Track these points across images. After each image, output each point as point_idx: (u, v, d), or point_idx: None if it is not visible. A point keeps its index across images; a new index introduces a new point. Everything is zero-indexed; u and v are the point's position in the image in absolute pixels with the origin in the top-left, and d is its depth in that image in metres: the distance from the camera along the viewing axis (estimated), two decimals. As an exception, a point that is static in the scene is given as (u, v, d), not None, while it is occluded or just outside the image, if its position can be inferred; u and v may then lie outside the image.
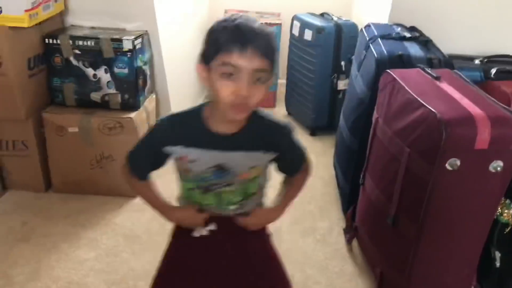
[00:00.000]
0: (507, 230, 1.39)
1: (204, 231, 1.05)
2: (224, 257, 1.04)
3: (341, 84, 2.53)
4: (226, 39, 0.83)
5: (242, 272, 1.03)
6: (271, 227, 1.12)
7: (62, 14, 2.07)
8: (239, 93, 0.84)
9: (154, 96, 2.22)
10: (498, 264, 1.44)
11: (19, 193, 2.01)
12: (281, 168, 1.08)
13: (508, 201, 1.37)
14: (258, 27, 0.85)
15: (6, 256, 1.65)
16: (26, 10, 1.73)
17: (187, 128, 0.97)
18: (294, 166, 1.09)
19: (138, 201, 2.01)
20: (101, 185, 2.00)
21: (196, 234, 1.05)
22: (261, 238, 1.09)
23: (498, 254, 1.43)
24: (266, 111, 1.01)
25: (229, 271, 1.03)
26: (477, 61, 1.87)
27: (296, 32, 2.66)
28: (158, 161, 1.03)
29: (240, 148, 0.95)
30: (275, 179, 1.12)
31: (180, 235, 1.10)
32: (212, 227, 1.05)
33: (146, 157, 1.03)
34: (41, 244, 1.71)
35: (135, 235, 1.79)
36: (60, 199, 1.99)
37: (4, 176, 2.01)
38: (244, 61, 0.82)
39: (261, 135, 0.97)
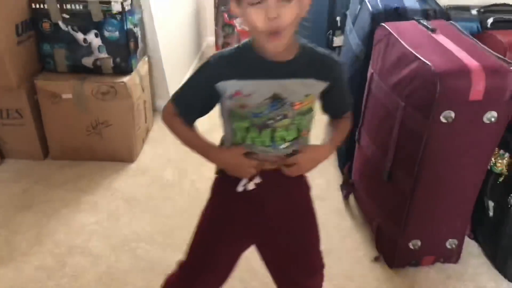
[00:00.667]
0: (500, 180, 1.40)
1: (249, 185, 0.99)
2: (268, 210, 1.02)
3: (337, 41, 2.48)
4: None
5: (282, 225, 1.03)
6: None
7: (47, -23, 2.00)
8: (269, 15, 0.84)
9: (146, 59, 2.19)
10: (491, 214, 1.47)
11: (18, 162, 2.02)
12: (327, 106, 1.05)
13: (501, 151, 1.38)
14: None
15: (8, 223, 1.67)
16: (9, -26, 1.68)
17: (240, 60, 0.95)
18: (340, 106, 1.06)
19: (135, 165, 2.03)
20: (98, 150, 2.01)
21: (240, 188, 1.00)
22: (303, 191, 1.08)
23: (491, 204, 1.46)
24: (317, 46, 1.00)
25: (271, 224, 1.03)
26: (474, 11, 1.83)
27: (289, -12, 2.59)
28: (208, 103, 0.98)
29: (295, 75, 0.94)
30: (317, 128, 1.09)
31: (222, 189, 1.06)
32: (257, 180, 1.00)
33: (196, 97, 0.98)
34: (42, 211, 1.73)
35: (134, 199, 1.81)
36: (58, 166, 1.99)
37: (0, 145, 2.01)
38: None
39: (314, 63, 0.96)
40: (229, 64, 0.94)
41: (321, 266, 1.09)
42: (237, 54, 0.95)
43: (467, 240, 1.52)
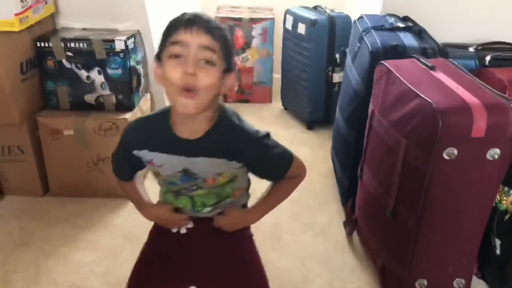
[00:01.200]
0: (507, 217, 1.39)
1: (181, 229, 1.07)
2: (201, 254, 1.04)
3: (337, 77, 2.52)
4: (174, 23, 0.90)
5: (218, 271, 1.03)
6: (271, 222, 1.11)
7: (52, 16, 2.05)
8: (186, 70, 0.85)
9: (148, 96, 2.21)
10: (498, 252, 1.44)
11: (17, 198, 2.00)
12: (259, 175, 1.03)
13: (506, 188, 1.37)
14: (206, 16, 0.91)
15: (6, 261, 1.64)
16: (16, 14, 1.72)
17: (152, 132, 0.98)
18: (271, 175, 1.04)
19: (136, 201, 2.01)
20: (98, 187, 1.99)
21: (174, 229, 1.08)
22: (240, 239, 1.08)
23: (498, 242, 1.43)
24: (238, 117, 0.98)
25: (206, 268, 1.03)
26: (471, 49, 1.86)
27: (289, 26, 2.65)
28: (136, 163, 1.05)
29: (202, 154, 0.94)
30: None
31: (158, 232, 1.13)
32: (189, 225, 1.06)
33: (123, 159, 1.06)
34: (40, 248, 1.70)
35: (134, 236, 1.78)
36: (58, 203, 1.98)
37: (1, 182, 2.00)
38: (190, 37, 0.86)
39: (225, 142, 0.94)
40: (141, 134, 1.00)
41: None
42: (151, 124, 1.01)
43: (475, 279, 1.49)
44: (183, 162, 0.95)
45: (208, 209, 1.03)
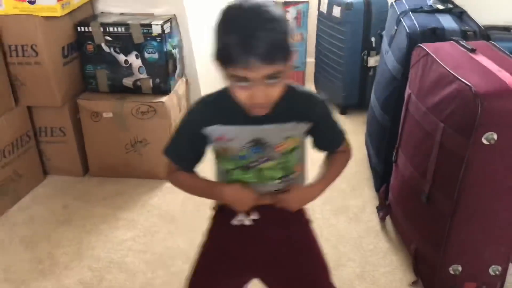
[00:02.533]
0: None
1: (246, 221, 1.03)
2: (267, 245, 1.03)
3: (372, 61, 2.48)
4: (229, 53, 0.82)
5: (284, 259, 1.03)
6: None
7: (91, 2, 2.10)
8: (254, 100, 0.85)
9: (184, 80, 2.24)
10: (537, 240, 1.40)
11: (59, 178, 2.10)
12: (317, 143, 1.05)
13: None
14: (261, 25, 0.80)
15: (50, 237, 1.73)
16: (58, 0, 1.77)
17: (221, 107, 0.97)
18: (331, 141, 1.06)
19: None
20: (136, 168, 2.06)
21: (236, 222, 1.04)
22: (302, 224, 1.09)
23: (537, 230, 1.40)
24: (300, 85, 1.01)
25: (271, 259, 1.03)
26: (514, 32, 1.80)
27: (324, 9, 2.61)
28: (199, 148, 1.01)
29: (274, 121, 0.95)
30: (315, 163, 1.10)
31: (221, 222, 1.09)
32: (254, 216, 1.03)
33: (187, 144, 1.01)
34: (81, 226, 1.78)
35: (170, 216, 1.84)
36: (97, 183, 2.06)
37: (44, 162, 2.10)
38: (251, 73, 0.82)
39: (293, 106, 0.96)
40: (211, 110, 0.98)
41: (329, 286, 1.04)
42: (218, 101, 0.98)
43: (511, 267, 1.46)
44: (254, 132, 0.96)
45: (276, 182, 1.02)
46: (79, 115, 2.01)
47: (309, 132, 1.02)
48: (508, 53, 1.38)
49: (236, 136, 0.97)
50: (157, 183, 2.02)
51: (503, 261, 1.37)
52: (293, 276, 1.02)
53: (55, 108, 1.96)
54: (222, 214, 1.07)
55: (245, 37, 0.80)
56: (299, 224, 1.08)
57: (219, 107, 0.98)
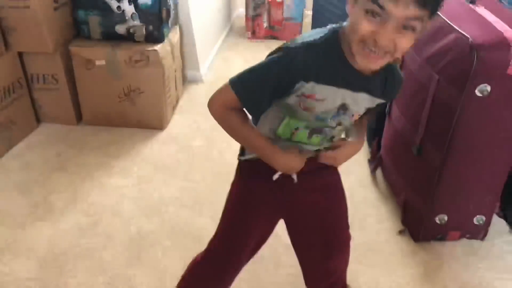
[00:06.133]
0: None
1: (294, 177, 0.99)
2: (300, 192, 1.02)
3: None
4: None
5: (315, 205, 1.04)
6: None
7: None
8: (379, 38, 0.74)
9: (178, 28, 2.20)
10: (523, 192, 1.44)
11: (52, 126, 2.09)
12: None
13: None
14: None
15: (45, 183, 1.74)
16: None
17: (325, 62, 0.84)
18: (372, 111, 1.03)
19: (165, 133, 2.07)
20: (129, 117, 2.05)
21: (276, 176, 0.97)
22: (336, 175, 1.09)
23: (523, 182, 1.43)
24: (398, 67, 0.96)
25: (302, 204, 1.04)
26: (516, -16, 1.76)
27: (323, -42, 2.54)
28: (275, 96, 0.87)
29: (368, 90, 0.89)
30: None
31: (250, 173, 1.03)
32: (294, 175, 0.99)
33: (266, 88, 0.85)
34: (76, 173, 1.80)
35: (163, 165, 1.86)
36: (91, 131, 2.05)
37: (37, 110, 2.08)
38: (396, 8, 0.71)
39: (386, 83, 0.92)
40: (317, 64, 0.83)
41: (348, 237, 1.09)
42: (324, 54, 0.84)
43: (495, 217, 1.51)
44: (346, 97, 0.88)
45: (327, 145, 0.98)
46: (71, 62, 1.98)
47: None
48: (508, 5, 1.36)
49: (328, 97, 0.86)
50: (151, 133, 2.03)
51: (487, 211, 1.42)
52: (318, 224, 1.04)
53: (47, 54, 1.92)
54: (252, 164, 1.00)
55: None
56: (333, 174, 1.07)
57: (324, 63, 0.84)
